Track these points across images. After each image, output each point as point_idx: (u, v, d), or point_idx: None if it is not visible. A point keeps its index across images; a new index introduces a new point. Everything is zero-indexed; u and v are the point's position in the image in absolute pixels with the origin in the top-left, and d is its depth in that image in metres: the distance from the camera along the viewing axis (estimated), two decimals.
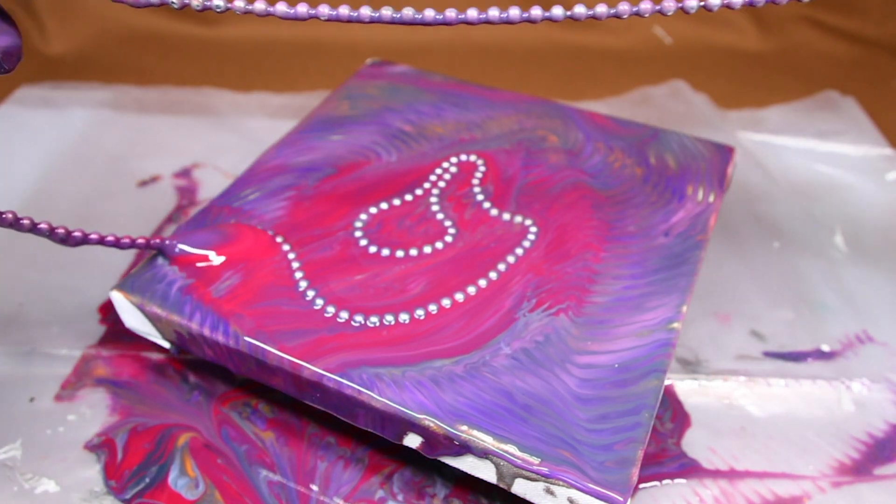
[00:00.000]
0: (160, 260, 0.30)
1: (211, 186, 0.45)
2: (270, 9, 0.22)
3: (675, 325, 0.29)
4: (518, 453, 0.24)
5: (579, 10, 0.21)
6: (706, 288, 0.38)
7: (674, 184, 0.35)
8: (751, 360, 0.35)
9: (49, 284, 0.38)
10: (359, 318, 0.28)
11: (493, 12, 0.21)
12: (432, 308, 0.29)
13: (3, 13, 0.22)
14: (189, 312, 0.28)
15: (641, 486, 0.30)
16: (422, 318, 0.29)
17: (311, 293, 0.29)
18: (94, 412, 0.32)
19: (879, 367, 0.35)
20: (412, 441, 0.26)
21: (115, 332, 0.35)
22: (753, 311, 0.38)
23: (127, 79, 0.55)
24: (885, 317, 0.38)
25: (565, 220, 0.33)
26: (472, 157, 0.37)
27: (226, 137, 0.49)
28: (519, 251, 0.31)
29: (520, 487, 0.25)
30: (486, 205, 0.34)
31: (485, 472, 0.25)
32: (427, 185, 0.35)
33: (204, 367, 0.34)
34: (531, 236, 0.32)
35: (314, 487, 0.29)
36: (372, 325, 0.28)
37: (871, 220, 0.44)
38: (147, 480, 0.29)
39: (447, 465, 0.26)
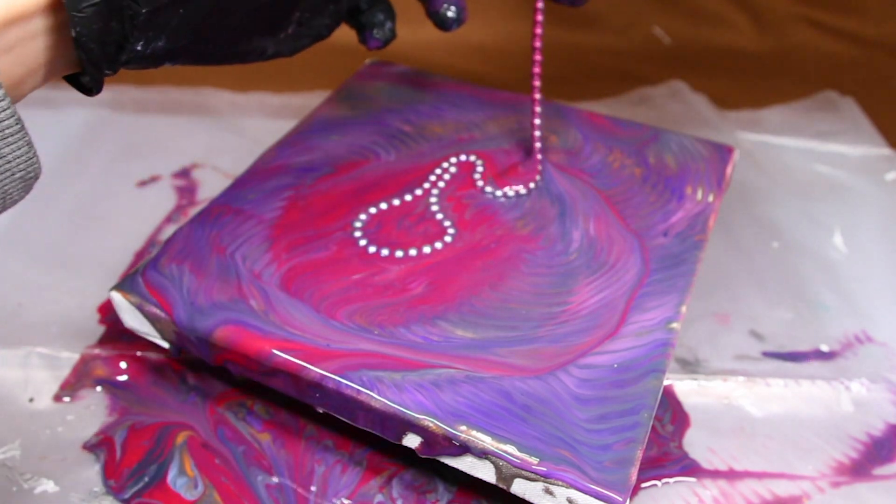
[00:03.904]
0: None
1: (210, 186, 0.45)
2: None
3: (675, 325, 0.29)
4: (517, 453, 0.24)
5: None
6: (705, 288, 0.38)
7: (673, 184, 0.35)
8: (750, 360, 0.35)
9: (49, 284, 0.38)
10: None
11: None
12: None
13: None
14: None
15: (641, 486, 0.30)
16: None
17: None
18: (92, 412, 0.32)
19: (878, 367, 0.35)
20: (411, 441, 0.26)
21: (114, 333, 0.35)
22: (752, 311, 0.38)
23: (126, 79, 0.55)
24: (885, 317, 0.38)
25: None
26: (472, 157, 0.37)
27: (225, 137, 0.49)
28: None
29: (519, 487, 0.25)
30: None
31: (484, 472, 0.25)
32: (427, 185, 0.35)
33: (203, 367, 0.33)
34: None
35: (313, 489, 0.29)
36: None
37: (870, 220, 0.44)
38: (146, 479, 0.29)
39: (448, 468, 0.26)
